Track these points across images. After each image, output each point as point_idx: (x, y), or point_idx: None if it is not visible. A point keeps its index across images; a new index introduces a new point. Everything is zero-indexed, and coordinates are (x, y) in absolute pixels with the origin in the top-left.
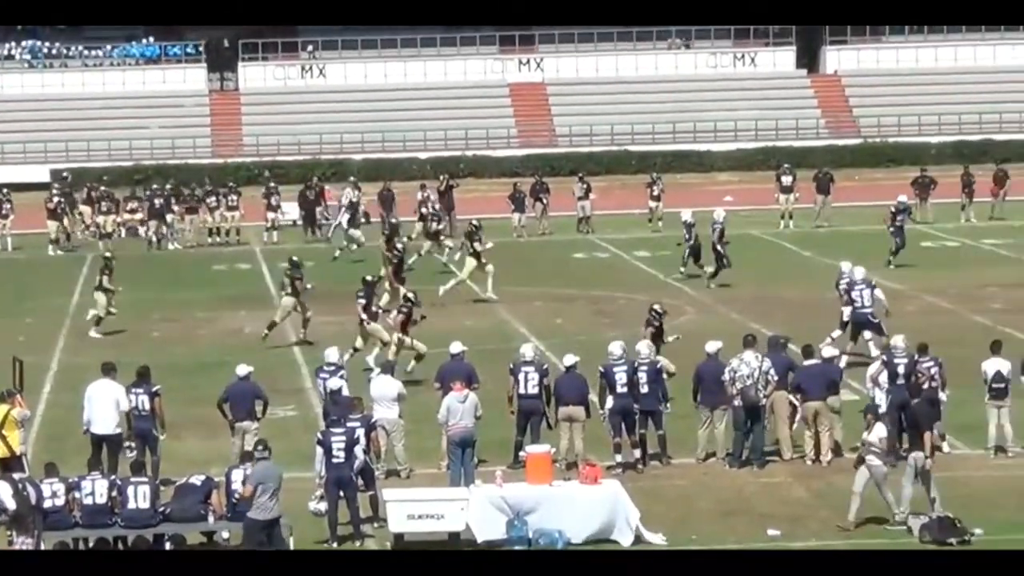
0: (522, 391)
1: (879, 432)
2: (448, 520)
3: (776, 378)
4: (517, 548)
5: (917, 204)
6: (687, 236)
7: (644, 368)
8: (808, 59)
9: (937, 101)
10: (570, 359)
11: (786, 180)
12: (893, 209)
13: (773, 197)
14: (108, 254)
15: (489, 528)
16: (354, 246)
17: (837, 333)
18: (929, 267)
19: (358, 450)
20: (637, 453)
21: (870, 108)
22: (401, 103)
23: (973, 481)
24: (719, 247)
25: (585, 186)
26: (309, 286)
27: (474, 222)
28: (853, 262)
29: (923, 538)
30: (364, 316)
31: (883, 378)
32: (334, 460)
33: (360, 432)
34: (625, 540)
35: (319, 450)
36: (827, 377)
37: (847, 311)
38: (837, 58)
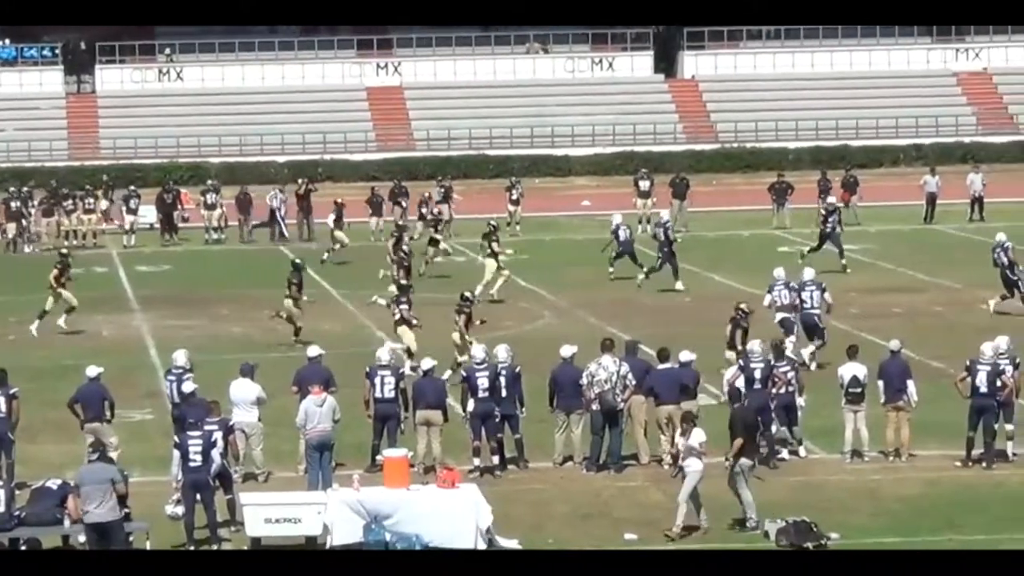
0: (378, 395)
1: (698, 436)
2: (305, 524)
3: (634, 382)
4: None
5: (773, 210)
6: (617, 238)
7: (504, 372)
8: (666, 64)
9: (794, 107)
10: (428, 363)
11: (644, 185)
12: (824, 211)
13: (631, 202)
14: None
15: (346, 532)
16: (337, 246)
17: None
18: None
19: (215, 453)
20: (496, 458)
21: (728, 113)
22: (259, 106)
23: (829, 485)
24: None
25: (443, 189)
26: (305, 297)
27: (492, 223)
28: (708, 267)
29: (779, 542)
30: (402, 319)
31: (740, 383)
32: (191, 463)
33: (217, 435)
34: (480, 545)
35: (176, 453)
36: (680, 381)
37: (779, 316)
38: (695, 63)
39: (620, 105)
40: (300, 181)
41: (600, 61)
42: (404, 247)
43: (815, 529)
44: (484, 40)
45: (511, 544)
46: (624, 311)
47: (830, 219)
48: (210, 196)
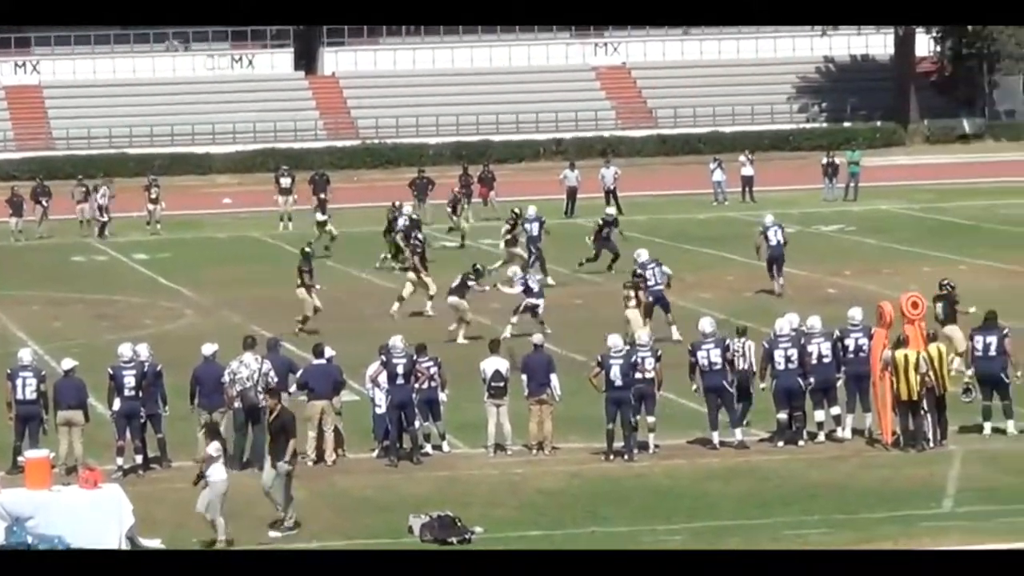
0: (19, 396)
1: (216, 446)
2: None
3: (276, 379)
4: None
5: (415, 205)
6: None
7: (147, 371)
8: (306, 61)
9: (435, 102)
10: (68, 363)
11: (285, 182)
12: (600, 222)
13: (272, 199)
14: None
15: None
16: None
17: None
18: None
19: None
20: (139, 458)
21: (368, 109)
22: None
23: (473, 479)
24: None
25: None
26: (317, 285)
27: (515, 210)
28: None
29: (424, 537)
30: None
31: (383, 378)
32: None
33: None
34: (123, 545)
35: None
36: (332, 376)
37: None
38: (335, 60)
39: (261, 102)
40: None
41: (240, 59)
42: (419, 235)
43: (459, 523)
44: (123, 38)
45: (154, 544)
46: (265, 308)
47: (604, 230)
48: None
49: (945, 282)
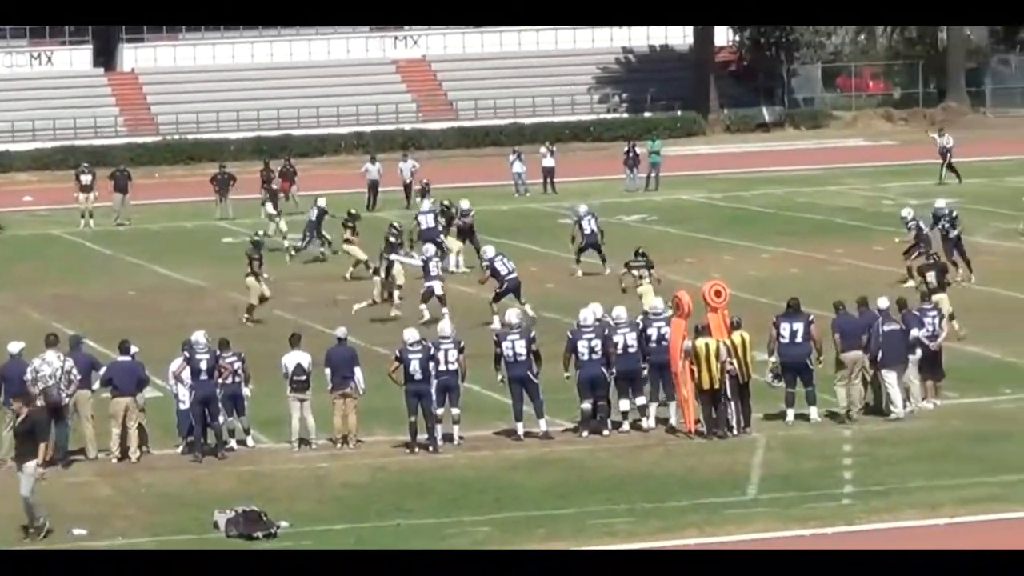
0: None
1: None
2: None
3: (79, 377)
4: None
5: (216, 201)
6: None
7: None
8: (105, 57)
9: (235, 97)
10: None
11: (85, 179)
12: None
13: (72, 196)
14: None
15: None
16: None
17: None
18: (231, 262)
19: None
20: None
21: (169, 105)
22: None
23: (278, 474)
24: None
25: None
26: (266, 275)
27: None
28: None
29: (229, 532)
30: None
31: (186, 374)
32: None
33: None
34: None
35: None
36: (135, 373)
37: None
38: (134, 56)
39: (60, 99)
40: None
41: (39, 56)
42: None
43: (264, 518)
44: None
45: None
46: (67, 306)
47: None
48: None
49: (933, 252)
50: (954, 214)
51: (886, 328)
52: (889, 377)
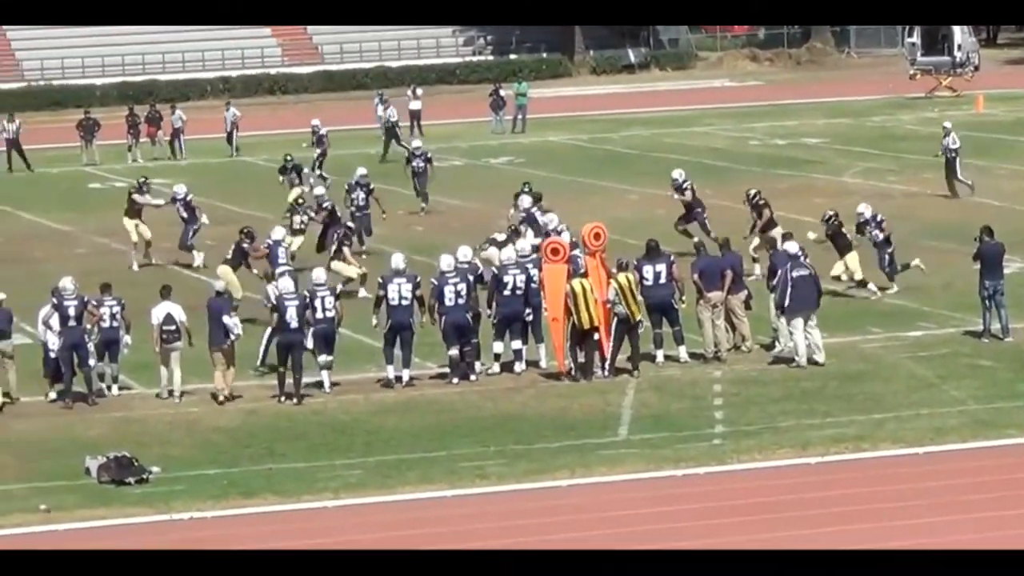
0: None
1: None
2: None
3: None
4: None
5: (82, 147)
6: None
7: None
8: None
9: (100, 42)
10: None
11: None
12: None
13: None
14: None
15: None
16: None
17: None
18: (98, 208)
19: None
20: None
21: (32, 52)
22: None
23: (150, 419)
24: None
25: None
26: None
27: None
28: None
29: (101, 478)
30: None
31: (55, 321)
32: None
33: None
34: None
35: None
36: (2, 321)
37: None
38: None
39: None
40: None
41: None
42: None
43: (136, 463)
44: None
45: None
46: None
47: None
48: None
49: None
50: (879, 218)
51: (795, 274)
52: (796, 324)
